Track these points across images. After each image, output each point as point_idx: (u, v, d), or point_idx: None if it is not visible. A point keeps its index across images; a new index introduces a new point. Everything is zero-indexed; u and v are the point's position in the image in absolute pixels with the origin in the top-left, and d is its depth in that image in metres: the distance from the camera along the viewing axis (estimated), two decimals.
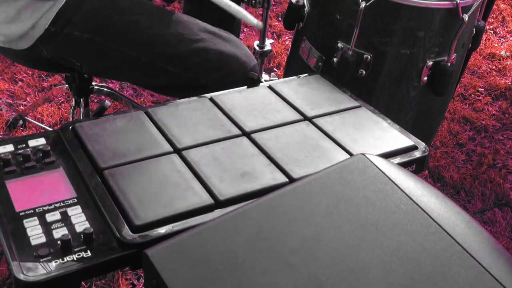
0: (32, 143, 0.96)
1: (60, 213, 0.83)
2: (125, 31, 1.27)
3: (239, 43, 1.40)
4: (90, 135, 0.97)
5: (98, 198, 0.84)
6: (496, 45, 2.85)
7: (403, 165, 0.99)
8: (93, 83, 1.59)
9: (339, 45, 1.33)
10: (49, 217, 0.82)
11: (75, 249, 0.77)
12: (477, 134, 2.23)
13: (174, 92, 1.42)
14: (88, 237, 0.78)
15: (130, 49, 1.27)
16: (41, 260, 0.75)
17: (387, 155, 0.99)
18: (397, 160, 1.00)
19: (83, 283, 1.48)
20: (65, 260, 0.76)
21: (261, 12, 1.96)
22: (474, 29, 1.43)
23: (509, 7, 3.22)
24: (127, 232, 0.79)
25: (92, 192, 0.86)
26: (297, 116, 1.09)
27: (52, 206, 0.84)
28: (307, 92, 1.17)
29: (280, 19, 2.85)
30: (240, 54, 1.35)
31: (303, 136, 1.03)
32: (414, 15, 1.26)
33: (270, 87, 1.18)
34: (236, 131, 1.03)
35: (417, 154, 1.02)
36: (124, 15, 1.28)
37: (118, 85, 2.30)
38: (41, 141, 0.97)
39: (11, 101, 2.16)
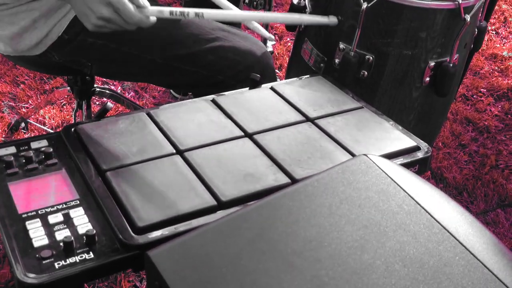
0: (34, 145, 0.96)
1: (63, 214, 0.83)
2: (140, 35, 1.27)
3: (253, 38, 1.40)
4: (92, 136, 0.97)
5: (101, 200, 0.84)
6: (498, 45, 2.84)
7: (406, 165, 0.99)
8: (95, 86, 1.59)
9: (341, 46, 1.33)
10: (52, 219, 0.82)
11: (78, 251, 0.77)
12: (480, 135, 2.23)
13: (190, 89, 1.42)
14: (91, 239, 0.78)
15: (145, 52, 1.27)
16: (43, 261, 0.75)
17: (389, 156, 0.99)
18: (400, 160, 1.00)
19: (85, 285, 1.48)
20: (68, 261, 0.76)
21: None
22: (476, 29, 1.42)
23: (511, 7, 3.22)
24: (129, 233, 0.79)
25: (95, 193, 0.86)
26: (299, 117, 1.09)
27: (55, 208, 0.84)
28: (309, 93, 1.17)
29: None
30: (255, 48, 1.35)
31: (305, 137, 1.03)
32: (416, 16, 1.26)
33: (272, 89, 1.18)
34: (239, 132, 1.02)
35: (419, 154, 1.02)
36: None
37: (120, 87, 2.30)
38: (43, 143, 0.97)
39: (13, 104, 2.16)
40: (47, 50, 1.25)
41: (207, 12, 1.01)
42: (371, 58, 1.30)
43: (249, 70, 1.25)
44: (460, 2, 1.25)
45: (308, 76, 1.25)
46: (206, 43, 1.30)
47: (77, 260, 0.76)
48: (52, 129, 2.03)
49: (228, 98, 1.12)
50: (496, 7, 3.02)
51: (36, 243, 0.78)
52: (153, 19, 1.02)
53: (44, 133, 1.97)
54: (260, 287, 0.65)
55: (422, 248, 0.70)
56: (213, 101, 1.11)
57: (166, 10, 1.02)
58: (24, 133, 2.01)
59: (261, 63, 1.34)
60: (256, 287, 0.65)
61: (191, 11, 1.00)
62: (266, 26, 2.00)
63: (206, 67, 1.31)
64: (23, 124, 2.01)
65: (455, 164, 2.05)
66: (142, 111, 1.07)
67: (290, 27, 1.52)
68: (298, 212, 0.74)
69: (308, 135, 1.03)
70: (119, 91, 2.23)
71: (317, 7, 1.41)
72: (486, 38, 2.80)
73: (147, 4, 1.01)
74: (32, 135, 1.95)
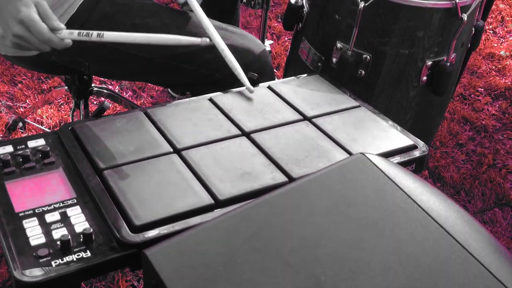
0: (32, 144, 0.96)
1: (60, 213, 0.83)
2: None
3: (251, 37, 1.40)
4: (89, 135, 0.97)
5: (98, 199, 0.84)
6: (495, 45, 2.85)
7: (403, 164, 0.99)
8: (93, 85, 1.59)
9: (338, 45, 1.33)
10: (49, 218, 0.82)
11: (75, 250, 0.77)
12: (477, 134, 2.23)
13: (189, 88, 1.42)
14: (88, 238, 0.78)
15: (143, 51, 1.27)
16: (40, 260, 0.75)
17: (386, 155, 0.99)
18: (397, 159, 1.00)
19: (83, 284, 1.48)
20: (65, 260, 0.76)
21: (260, 14, 1.96)
22: (473, 28, 1.43)
23: (508, 7, 3.22)
24: (126, 232, 0.79)
25: (92, 192, 0.86)
26: (297, 116, 1.09)
27: (52, 207, 0.84)
28: (306, 92, 1.17)
29: (279, 20, 2.85)
30: (253, 47, 1.35)
31: (302, 136, 1.03)
32: (413, 15, 1.26)
33: (269, 87, 1.18)
34: (236, 131, 1.02)
35: (416, 153, 1.02)
36: (135, 19, 1.28)
37: (118, 87, 2.30)
38: (41, 142, 0.97)
39: (10, 103, 2.16)
40: None
41: (107, 33, 1.05)
42: (369, 57, 1.30)
43: (247, 68, 1.25)
44: (457, 1, 1.25)
45: (305, 75, 1.25)
46: None
47: (74, 259, 0.76)
48: (49, 128, 2.03)
49: (226, 97, 1.12)
50: (493, 7, 3.03)
51: (33, 242, 0.78)
52: (67, 41, 1.04)
53: (41, 132, 1.96)
54: (257, 286, 0.65)
55: (419, 246, 0.70)
56: (211, 100, 1.11)
57: (75, 32, 1.05)
58: (22, 132, 2.00)
59: (259, 61, 1.34)
60: (253, 285, 0.65)
61: (94, 32, 1.05)
62: (264, 27, 2.00)
63: (204, 65, 1.31)
64: (20, 124, 2.01)
65: (453, 163, 2.05)
66: (139, 110, 1.07)
67: (288, 26, 1.52)
68: (295, 210, 0.74)
69: (305, 134, 1.03)
70: (117, 91, 2.23)
71: (315, 6, 1.41)
72: (483, 37, 2.80)
73: (62, 27, 1.03)
74: (30, 135, 1.95)
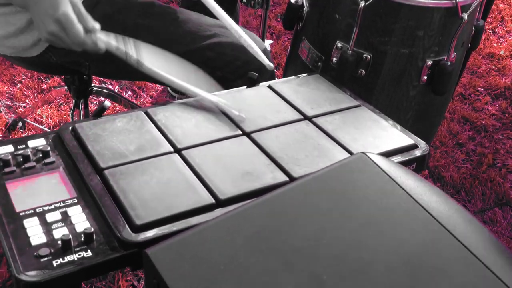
0: (32, 143, 0.96)
1: (61, 213, 0.83)
2: (139, 34, 1.27)
3: (251, 34, 1.40)
4: (90, 135, 0.97)
5: (98, 198, 0.84)
6: (495, 44, 2.85)
7: (404, 163, 0.99)
8: (92, 85, 1.59)
9: (339, 45, 1.33)
10: (49, 217, 0.82)
11: (76, 249, 0.77)
12: (477, 134, 2.23)
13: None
14: (89, 237, 0.78)
15: None
16: (41, 260, 0.75)
17: (387, 154, 0.99)
18: (398, 158, 1.00)
19: (83, 284, 1.48)
20: (66, 260, 0.75)
21: (260, 13, 1.96)
22: (473, 28, 1.43)
23: (508, 6, 3.23)
24: (127, 231, 0.79)
25: (92, 192, 0.86)
26: (297, 116, 1.09)
27: (52, 206, 0.84)
28: (306, 91, 1.17)
29: (279, 19, 2.85)
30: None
31: (303, 135, 1.03)
32: (413, 14, 1.26)
33: (270, 87, 1.18)
34: (236, 130, 1.02)
35: (417, 152, 1.02)
36: (136, 19, 1.27)
37: (117, 86, 2.29)
38: (41, 141, 0.97)
39: (10, 103, 2.16)
40: (44, 51, 1.24)
41: (146, 66, 1.03)
42: (369, 56, 1.30)
43: (248, 65, 1.25)
44: (458, 0, 1.25)
45: (305, 74, 1.25)
46: (204, 40, 1.30)
47: (75, 258, 0.76)
48: (49, 128, 2.03)
49: (226, 97, 1.12)
50: (493, 6, 3.03)
51: (34, 241, 0.78)
52: (101, 45, 1.03)
53: (41, 132, 1.96)
54: (259, 285, 0.65)
55: (421, 245, 0.70)
56: None
57: (113, 45, 1.02)
58: (22, 132, 2.00)
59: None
60: (255, 285, 0.65)
61: (134, 57, 1.02)
62: (263, 27, 2.00)
63: (205, 63, 1.31)
64: (20, 124, 2.01)
65: (453, 163, 2.05)
66: (140, 109, 1.07)
67: (288, 26, 1.52)
68: (296, 210, 0.74)
69: (306, 134, 1.03)
70: (116, 90, 2.23)
71: (315, 6, 1.41)
72: (483, 37, 2.80)
73: (97, 28, 1.02)
74: (30, 135, 1.95)
